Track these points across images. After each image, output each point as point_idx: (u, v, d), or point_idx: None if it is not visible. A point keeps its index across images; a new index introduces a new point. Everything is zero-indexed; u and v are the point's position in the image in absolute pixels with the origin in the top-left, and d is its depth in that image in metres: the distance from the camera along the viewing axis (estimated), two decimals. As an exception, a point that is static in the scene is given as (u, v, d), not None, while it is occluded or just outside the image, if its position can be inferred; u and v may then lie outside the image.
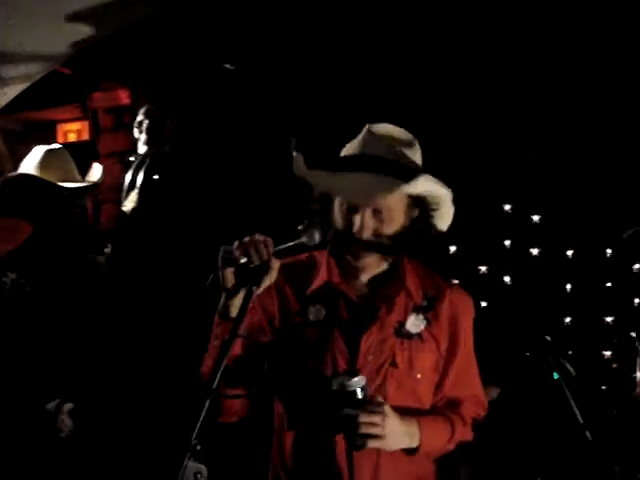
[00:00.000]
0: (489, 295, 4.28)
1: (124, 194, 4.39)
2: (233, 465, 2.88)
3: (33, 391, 2.68)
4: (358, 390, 1.73)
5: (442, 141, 4.31)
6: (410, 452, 1.87)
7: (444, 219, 2.02)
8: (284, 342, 1.95)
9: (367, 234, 1.88)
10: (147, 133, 4.36)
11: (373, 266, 1.97)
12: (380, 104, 4.23)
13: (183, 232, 4.03)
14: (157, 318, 3.36)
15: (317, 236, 1.84)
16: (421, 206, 1.96)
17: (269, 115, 4.55)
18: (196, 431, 1.56)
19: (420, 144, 2.04)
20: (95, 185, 3.26)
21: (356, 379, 1.73)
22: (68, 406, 2.65)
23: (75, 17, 2.03)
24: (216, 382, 1.61)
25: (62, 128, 7.13)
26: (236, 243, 1.76)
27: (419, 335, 1.93)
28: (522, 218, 4.29)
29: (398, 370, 1.89)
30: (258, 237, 1.77)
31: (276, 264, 1.78)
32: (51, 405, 2.68)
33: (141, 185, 4.26)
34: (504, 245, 4.32)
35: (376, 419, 1.73)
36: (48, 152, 3.04)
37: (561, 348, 3.67)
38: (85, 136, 6.59)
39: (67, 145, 6.93)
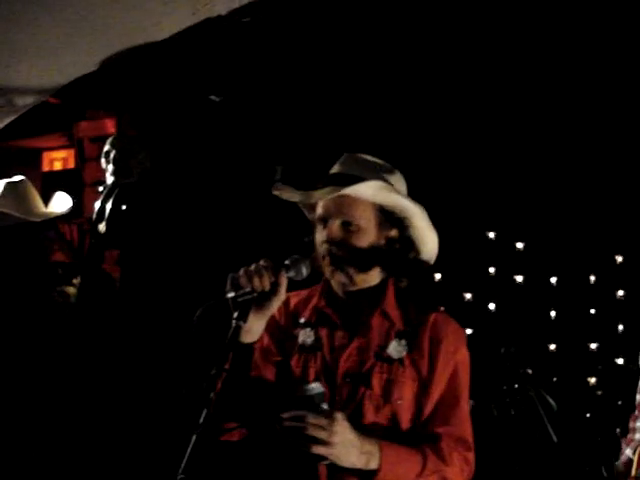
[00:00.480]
0: (474, 322, 4.30)
1: (92, 225, 4.39)
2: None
3: None
4: (315, 397, 1.71)
5: (427, 169, 4.35)
6: (369, 476, 1.76)
7: (424, 242, 1.99)
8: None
9: (335, 246, 1.90)
10: (114, 163, 4.36)
11: (357, 286, 1.96)
12: (362, 136, 4.28)
13: (153, 262, 4.05)
14: (132, 343, 3.34)
15: (304, 270, 1.85)
16: (397, 225, 1.96)
17: (254, 144, 4.58)
18: (183, 466, 1.55)
19: (404, 172, 2.06)
20: (58, 217, 3.20)
21: (313, 385, 1.73)
22: None
23: (64, 52, 2.05)
24: (202, 418, 1.61)
25: (48, 156, 7.15)
26: (242, 271, 1.79)
27: (400, 361, 1.89)
28: (506, 245, 4.31)
29: (374, 393, 1.87)
30: (263, 263, 1.80)
31: (282, 289, 1.82)
32: None
33: (109, 216, 4.27)
34: (489, 272, 4.34)
35: (323, 422, 1.67)
36: (8, 185, 2.99)
37: (544, 377, 3.70)
38: (71, 164, 6.60)
39: (53, 173, 6.98)
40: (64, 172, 6.72)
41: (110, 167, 4.37)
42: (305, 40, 3.98)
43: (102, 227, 4.25)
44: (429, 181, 4.31)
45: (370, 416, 1.86)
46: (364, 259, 1.92)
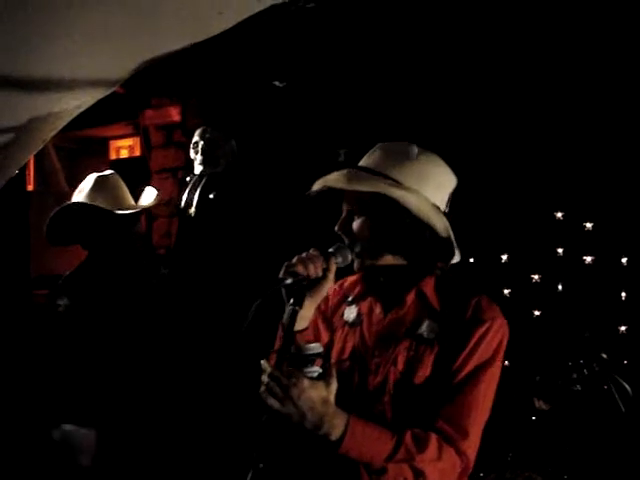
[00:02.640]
0: (542, 304, 4.24)
1: (180, 212, 4.55)
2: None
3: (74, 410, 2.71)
4: (308, 356, 1.74)
5: (494, 150, 4.30)
6: (332, 447, 1.75)
7: (432, 223, 1.91)
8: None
9: (346, 231, 1.96)
10: (202, 154, 4.51)
11: (389, 270, 1.97)
12: (424, 120, 4.26)
13: (239, 248, 4.12)
14: (216, 338, 3.39)
15: (350, 256, 1.95)
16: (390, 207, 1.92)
17: (318, 129, 4.59)
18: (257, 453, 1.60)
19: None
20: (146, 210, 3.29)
21: (311, 345, 1.76)
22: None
23: (132, 44, 2.08)
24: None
25: (114, 145, 7.30)
26: (295, 258, 1.90)
27: (430, 341, 1.89)
28: (575, 225, 4.23)
29: (397, 369, 1.89)
30: (313, 252, 1.91)
31: (331, 275, 1.93)
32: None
33: (197, 204, 4.42)
34: (557, 253, 4.27)
35: (284, 379, 1.69)
36: (99, 179, 3.08)
37: (617, 359, 3.63)
38: (137, 152, 6.73)
39: (119, 161, 7.13)
40: (130, 160, 6.86)
41: (199, 157, 4.54)
42: (367, 25, 3.97)
43: (191, 215, 4.43)
44: (496, 162, 4.27)
45: (396, 392, 1.88)
46: (374, 243, 1.95)
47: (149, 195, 3.17)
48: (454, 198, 2.03)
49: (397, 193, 1.87)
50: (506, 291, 4.32)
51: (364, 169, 1.96)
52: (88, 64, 2.14)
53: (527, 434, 3.73)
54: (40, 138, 2.71)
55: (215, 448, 2.93)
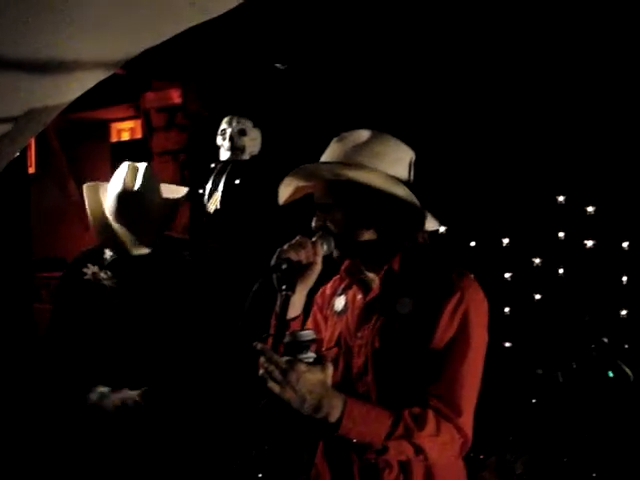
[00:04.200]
0: (543, 288, 4.25)
1: (207, 198, 4.78)
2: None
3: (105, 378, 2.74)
4: (303, 342, 1.76)
5: (496, 134, 4.30)
6: (331, 429, 1.78)
7: (379, 185, 1.94)
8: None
9: (322, 226, 2.01)
10: (230, 141, 4.70)
11: (363, 249, 2.00)
12: (426, 104, 4.25)
13: (263, 233, 4.22)
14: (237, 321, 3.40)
15: (333, 243, 2.00)
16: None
17: (320, 113, 4.59)
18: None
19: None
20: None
21: (304, 332, 1.79)
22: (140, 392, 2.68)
23: (131, 26, 2.08)
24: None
25: (115, 127, 7.30)
26: (287, 245, 1.95)
27: (404, 317, 1.90)
28: (576, 209, 4.23)
29: (375, 348, 1.93)
30: (302, 239, 1.96)
31: (320, 260, 1.98)
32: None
33: (223, 189, 4.61)
34: (558, 237, 4.27)
35: (283, 364, 1.71)
36: (147, 169, 2.96)
37: (616, 344, 3.64)
38: (138, 134, 6.73)
39: (120, 143, 7.12)
40: (132, 142, 6.87)
41: (226, 144, 4.75)
42: (369, 7, 3.95)
43: (216, 200, 4.62)
44: (498, 146, 4.27)
45: (376, 371, 1.92)
46: (343, 229, 1.99)
47: (177, 189, 3.14)
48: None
49: (350, 174, 1.92)
50: (507, 275, 4.33)
51: (319, 163, 2.01)
52: (89, 46, 2.13)
53: (528, 416, 3.75)
54: (41, 121, 2.70)
55: (216, 432, 2.95)
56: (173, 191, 3.08)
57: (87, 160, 7.38)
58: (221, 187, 4.72)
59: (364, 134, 2.02)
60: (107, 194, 2.92)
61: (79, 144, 7.45)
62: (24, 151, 4.99)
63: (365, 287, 2.06)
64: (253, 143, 4.77)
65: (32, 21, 1.86)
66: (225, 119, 4.78)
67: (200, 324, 2.88)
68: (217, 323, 2.92)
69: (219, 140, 4.80)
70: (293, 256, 1.91)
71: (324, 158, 2.03)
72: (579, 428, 3.60)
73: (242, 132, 4.73)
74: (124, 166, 2.91)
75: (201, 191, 4.89)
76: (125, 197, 2.83)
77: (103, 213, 2.93)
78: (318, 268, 1.99)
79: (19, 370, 4.52)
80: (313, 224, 2.03)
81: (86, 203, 2.94)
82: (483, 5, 4.16)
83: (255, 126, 4.78)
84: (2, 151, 2.80)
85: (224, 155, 4.77)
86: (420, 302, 1.90)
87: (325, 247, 1.98)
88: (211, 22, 2.42)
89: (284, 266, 1.89)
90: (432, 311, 1.87)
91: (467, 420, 1.85)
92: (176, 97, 5.77)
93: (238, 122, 4.75)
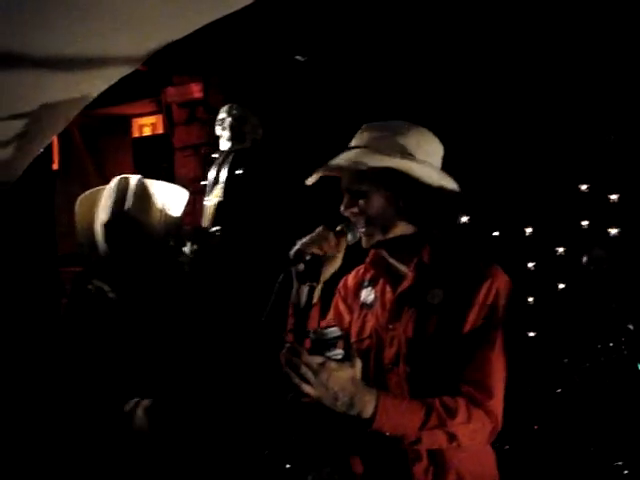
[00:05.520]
0: (567, 277, 4.22)
1: (208, 189, 4.59)
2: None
3: (111, 391, 2.69)
4: (329, 340, 1.76)
5: (518, 123, 4.27)
6: (365, 424, 1.79)
7: (434, 181, 1.95)
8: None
9: (353, 212, 1.99)
10: (230, 130, 4.53)
11: (393, 243, 2.01)
12: (447, 96, 4.23)
13: (266, 225, 4.16)
14: (243, 314, 3.40)
15: (357, 234, 2.00)
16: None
17: (340, 105, 4.58)
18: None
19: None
20: None
21: (330, 329, 1.78)
22: (145, 403, 2.62)
23: (153, 21, 2.09)
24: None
25: (137, 122, 7.33)
26: (308, 237, 1.96)
27: (436, 307, 1.93)
28: (600, 197, 4.20)
29: (408, 338, 1.93)
30: (324, 231, 1.97)
31: (342, 251, 1.99)
32: (129, 405, 2.67)
33: (225, 180, 4.46)
34: (581, 226, 4.24)
35: (314, 364, 1.72)
36: (139, 185, 2.79)
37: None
38: (160, 130, 6.76)
39: (142, 139, 7.14)
40: (153, 137, 6.89)
41: (225, 133, 4.56)
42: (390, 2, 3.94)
43: (218, 191, 4.45)
44: (521, 135, 4.25)
45: (408, 362, 1.93)
46: (376, 217, 1.98)
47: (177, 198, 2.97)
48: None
49: (407, 165, 1.92)
50: (530, 264, 4.30)
51: (362, 151, 1.97)
52: (114, 43, 2.15)
53: (553, 406, 3.74)
54: (64, 117, 2.73)
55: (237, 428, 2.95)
56: (174, 193, 2.80)
57: (109, 156, 7.42)
58: (223, 178, 4.56)
59: (401, 124, 2.02)
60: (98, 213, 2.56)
61: (101, 140, 7.49)
62: (48, 147, 5.02)
63: (394, 278, 2.05)
64: (254, 129, 4.63)
65: (56, 19, 1.88)
66: (223, 108, 4.66)
67: (207, 330, 2.84)
68: (227, 325, 2.90)
69: (218, 130, 4.66)
70: (316, 250, 1.92)
71: (362, 143, 2.00)
72: (605, 418, 3.59)
73: (242, 119, 4.60)
74: (113, 182, 2.55)
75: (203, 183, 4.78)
76: (113, 221, 2.48)
77: (91, 230, 2.60)
78: (339, 261, 2.00)
79: (45, 364, 4.55)
80: (342, 208, 2.01)
81: (75, 219, 2.65)
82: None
83: (254, 113, 4.65)
84: (27, 148, 2.83)
85: (224, 145, 4.63)
86: (451, 292, 1.93)
87: (350, 237, 1.99)
88: (229, 16, 2.43)
89: (307, 257, 1.90)
90: (464, 300, 1.91)
91: (498, 403, 1.88)
92: (197, 91, 5.79)
93: (237, 110, 4.62)
